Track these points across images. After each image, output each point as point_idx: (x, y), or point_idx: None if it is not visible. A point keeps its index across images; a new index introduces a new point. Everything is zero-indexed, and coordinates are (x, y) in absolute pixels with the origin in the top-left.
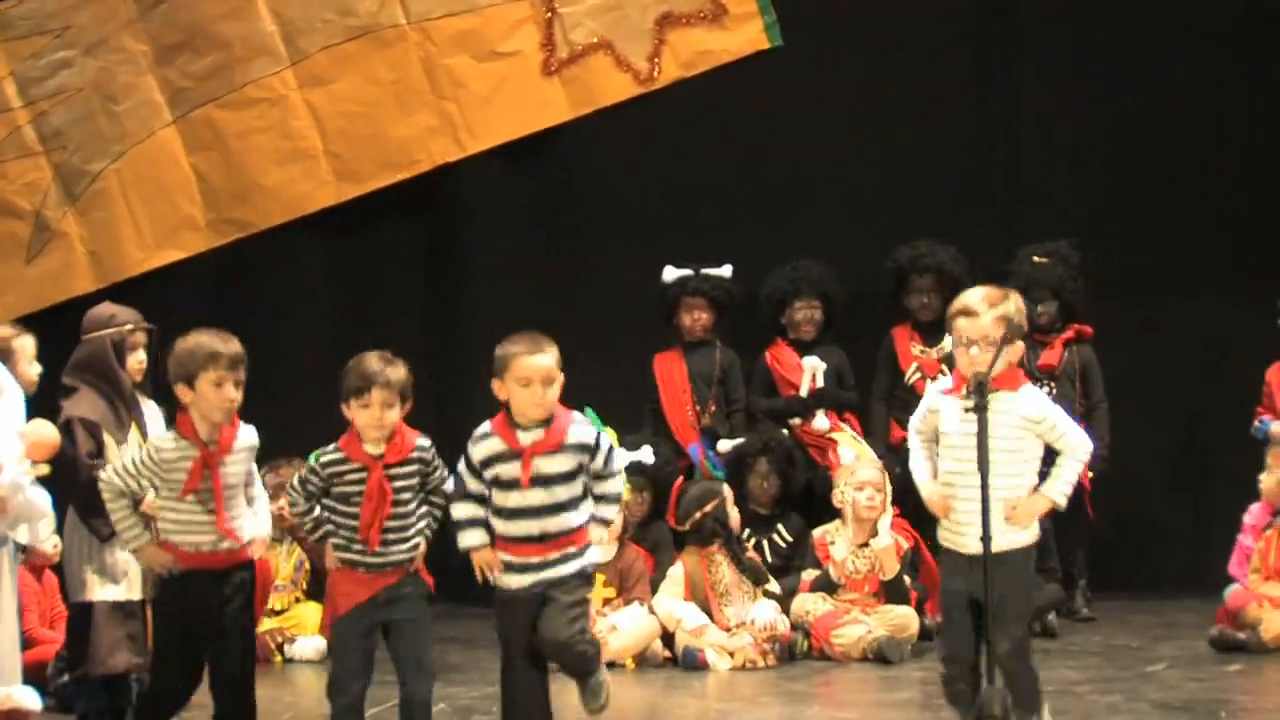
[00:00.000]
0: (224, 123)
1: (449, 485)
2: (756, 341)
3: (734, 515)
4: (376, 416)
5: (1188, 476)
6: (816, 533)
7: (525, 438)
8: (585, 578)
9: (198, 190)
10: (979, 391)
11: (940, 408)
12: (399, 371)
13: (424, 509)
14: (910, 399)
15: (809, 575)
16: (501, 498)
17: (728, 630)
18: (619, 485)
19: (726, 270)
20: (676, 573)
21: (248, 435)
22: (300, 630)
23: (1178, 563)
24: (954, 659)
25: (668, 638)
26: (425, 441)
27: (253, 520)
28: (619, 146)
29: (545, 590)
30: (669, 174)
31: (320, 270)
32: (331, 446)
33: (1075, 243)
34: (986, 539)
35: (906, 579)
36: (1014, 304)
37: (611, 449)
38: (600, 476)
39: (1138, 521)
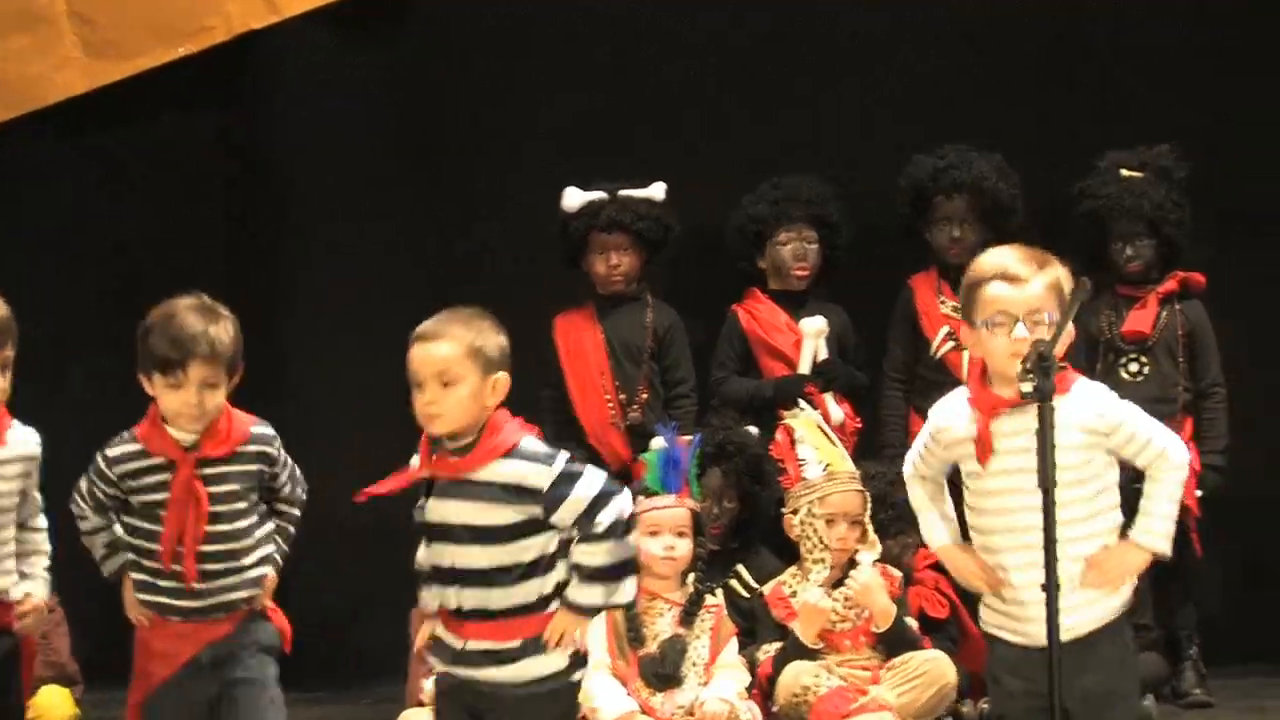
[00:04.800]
0: None
1: (302, 487)
2: (715, 297)
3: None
4: (193, 401)
5: None
6: (767, 589)
7: (439, 465)
8: (550, 701)
9: None
10: (1041, 370)
11: (962, 434)
12: (226, 331)
13: (268, 526)
14: (939, 379)
15: (767, 651)
16: (430, 547)
17: None
18: (611, 552)
19: (657, 190)
20: (597, 629)
21: (21, 441)
22: None
23: None
24: None
25: None
26: (265, 429)
27: (30, 575)
28: (511, 14)
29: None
30: (586, 55)
31: (70, 189)
32: (125, 434)
33: (1179, 151)
34: (1051, 585)
35: (911, 623)
36: (1061, 268)
37: (604, 495)
38: (582, 536)
39: (1270, 562)
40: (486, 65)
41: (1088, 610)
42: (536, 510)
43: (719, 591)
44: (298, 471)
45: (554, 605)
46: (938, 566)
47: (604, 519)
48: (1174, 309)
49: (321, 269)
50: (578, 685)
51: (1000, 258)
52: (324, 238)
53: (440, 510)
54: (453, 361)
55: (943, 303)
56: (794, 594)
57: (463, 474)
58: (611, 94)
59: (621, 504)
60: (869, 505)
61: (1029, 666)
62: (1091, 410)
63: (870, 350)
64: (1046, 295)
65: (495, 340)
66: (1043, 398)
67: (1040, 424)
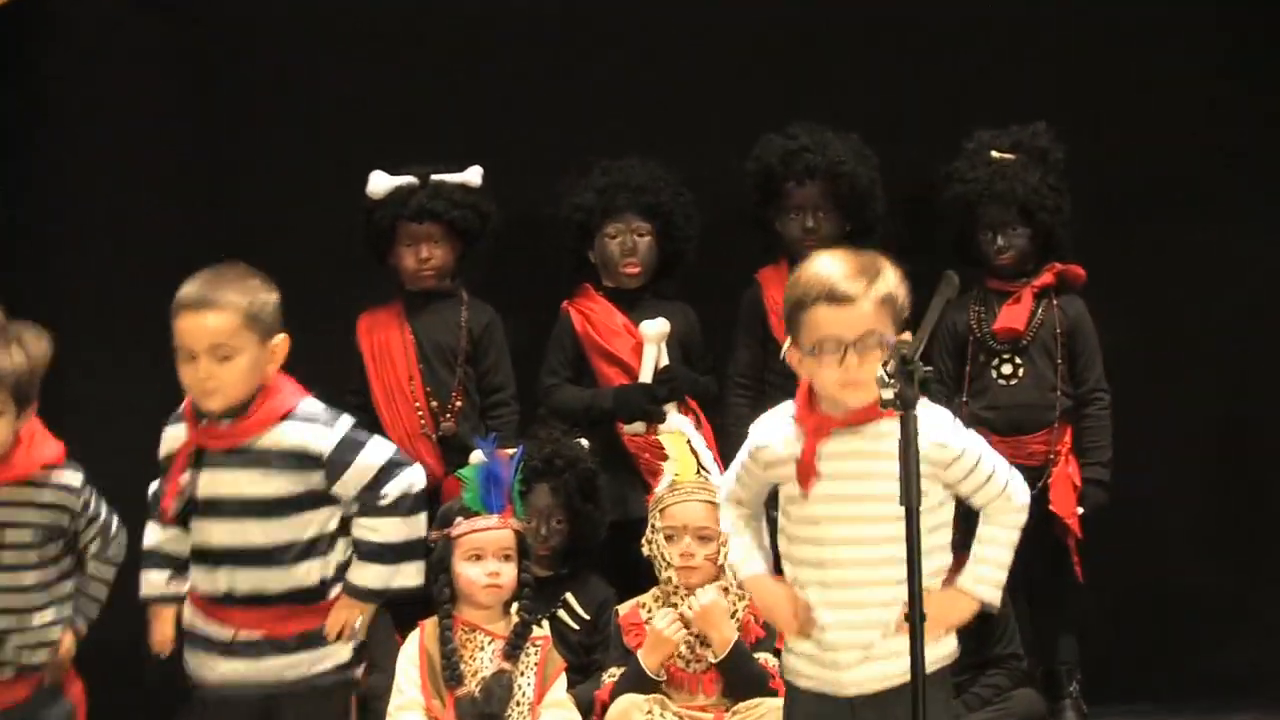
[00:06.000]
0: None
1: (118, 547)
2: (540, 294)
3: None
4: None
5: (1239, 514)
6: (623, 609)
7: (208, 435)
8: (328, 698)
9: None
10: (904, 375)
11: (784, 453)
12: (12, 356)
13: (68, 585)
14: (789, 384)
15: (612, 675)
16: (192, 525)
17: None
18: (396, 529)
19: (473, 175)
20: (409, 655)
21: None
22: None
23: (1226, 655)
24: None
25: None
26: (73, 477)
27: None
28: None
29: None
30: (397, 24)
31: None
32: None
33: (1055, 130)
34: (916, 614)
35: (766, 660)
36: (893, 274)
37: (392, 465)
38: (365, 509)
39: (1159, 588)
40: (284, 33)
41: (901, 660)
42: (318, 479)
43: (545, 623)
44: (114, 528)
45: (335, 591)
46: None
47: (390, 491)
48: (1051, 304)
49: (97, 259)
50: (356, 682)
51: (824, 273)
52: (102, 224)
53: (212, 483)
54: (229, 333)
55: None
56: (650, 620)
57: (238, 442)
58: (424, 66)
59: (411, 477)
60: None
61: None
62: (931, 438)
63: (719, 354)
64: (878, 314)
65: (270, 300)
66: (906, 406)
67: (903, 435)
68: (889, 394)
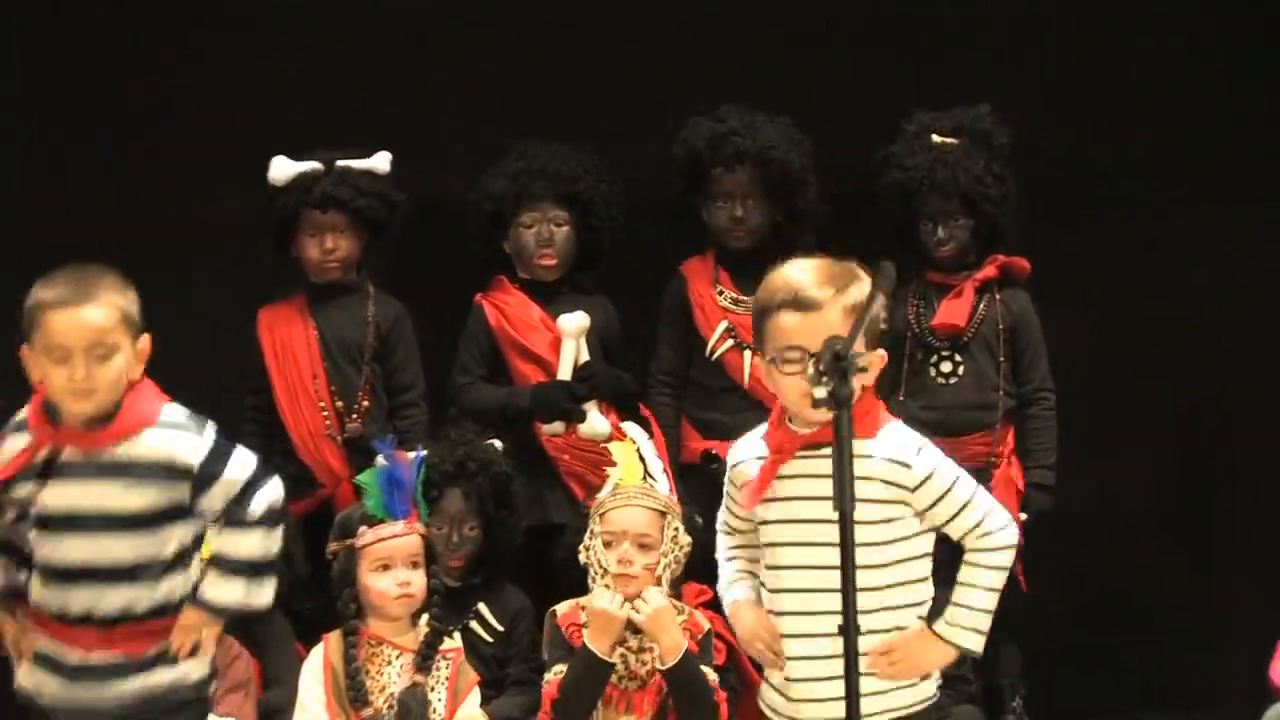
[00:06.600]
0: None
1: None
2: (451, 288)
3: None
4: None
5: (1191, 520)
6: (561, 609)
7: (67, 440)
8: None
9: None
10: (836, 370)
11: (754, 475)
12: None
13: None
14: (715, 384)
15: (557, 672)
16: (37, 540)
17: None
18: (259, 544)
19: (380, 161)
20: (313, 670)
21: None
22: None
23: (1176, 667)
24: None
25: None
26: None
27: None
28: None
29: None
30: (309, 7)
31: None
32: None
33: (999, 115)
34: (849, 626)
35: (709, 674)
36: (865, 281)
37: (255, 482)
38: (230, 522)
39: (1107, 597)
40: (179, 8)
41: (876, 699)
42: (183, 492)
43: (456, 634)
44: None
45: None
46: (713, 604)
47: (257, 506)
48: (993, 299)
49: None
50: (209, 700)
51: (792, 278)
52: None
53: (69, 495)
54: (109, 330)
55: (720, 293)
56: (586, 625)
57: (99, 449)
58: (331, 43)
59: (275, 492)
60: (675, 532)
61: None
62: (889, 456)
63: (641, 351)
64: (846, 324)
65: (135, 298)
66: (839, 404)
67: (836, 435)
68: (821, 392)
